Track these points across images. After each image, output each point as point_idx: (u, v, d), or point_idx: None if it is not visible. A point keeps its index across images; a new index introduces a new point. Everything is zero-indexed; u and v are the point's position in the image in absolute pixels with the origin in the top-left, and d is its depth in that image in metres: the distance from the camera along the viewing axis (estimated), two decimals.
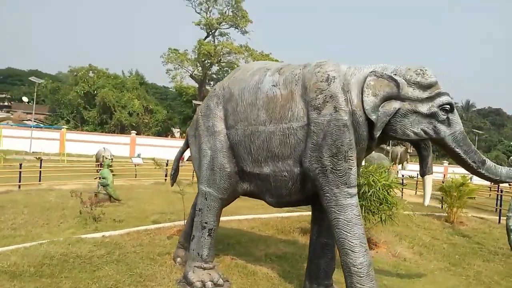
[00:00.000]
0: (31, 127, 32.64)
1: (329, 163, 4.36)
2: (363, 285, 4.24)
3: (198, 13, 38.73)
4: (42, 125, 39.11)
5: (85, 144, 31.75)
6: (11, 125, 37.06)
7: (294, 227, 8.83)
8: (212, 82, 41.01)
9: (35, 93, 32.13)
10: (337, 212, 4.38)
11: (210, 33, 39.23)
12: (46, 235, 7.36)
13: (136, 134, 34.33)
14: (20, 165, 13.24)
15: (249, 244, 7.33)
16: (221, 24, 39.07)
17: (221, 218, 8.92)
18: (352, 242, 4.30)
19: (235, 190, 5.29)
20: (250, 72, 5.24)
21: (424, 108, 4.34)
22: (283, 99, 4.70)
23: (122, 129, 37.22)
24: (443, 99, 4.35)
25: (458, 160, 4.59)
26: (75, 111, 38.61)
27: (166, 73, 38.92)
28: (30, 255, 5.61)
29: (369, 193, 7.29)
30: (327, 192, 4.43)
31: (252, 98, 4.93)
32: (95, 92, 37.19)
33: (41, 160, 16.17)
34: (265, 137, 4.78)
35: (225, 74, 41.02)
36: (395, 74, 4.40)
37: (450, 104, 4.38)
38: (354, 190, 4.43)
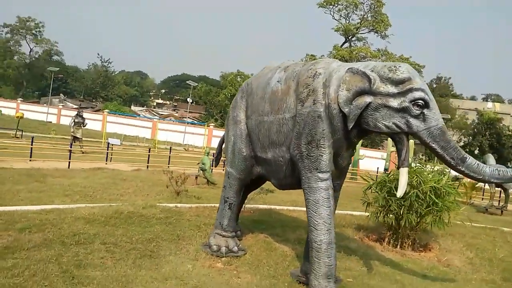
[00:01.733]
0: (186, 123, 38.03)
1: (305, 150, 4.93)
2: (319, 260, 4.72)
3: (336, 19, 39.22)
4: (195, 121, 44.87)
5: None
6: (173, 121, 43.58)
7: (351, 223, 9.09)
8: None
9: (190, 94, 37.31)
10: (308, 193, 4.93)
11: (348, 38, 39.31)
12: (139, 201, 9.25)
13: None
14: (149, 149, 16.10)
15: (290, 229, 7.98)
16: (359, 29, 38.80)
17: (289, 207, 9.99)
18: (316, 221, 4.81)
19: (250, 172, 6.15)
20: (268, 70, 6.04)
21: (395, 102, 4.53)
22: (282, 93, 5.40)
23: None
24: (416, 94, 4.47)
25: (437, 156, 4.63)
26: (223, 111, 43.20)
27: None
28: (108, 210, 7.40)
29: (409, 194, 7.23)
30: (303, 176, 5.00)
31: (262, 93, 5.75)
32: None
33: (170, 148, 19.24)
34: (267, 126, 5.55)
35: None
36: (372, 71, 4.69)
37: (423, 99, 4.48)
38: (325, 175, 4.89)
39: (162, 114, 53.55)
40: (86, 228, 6.37)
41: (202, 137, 35.29)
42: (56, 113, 41.10)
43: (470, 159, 4.54)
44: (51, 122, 38.78)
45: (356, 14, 38.69)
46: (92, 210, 7.26)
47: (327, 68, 5.10)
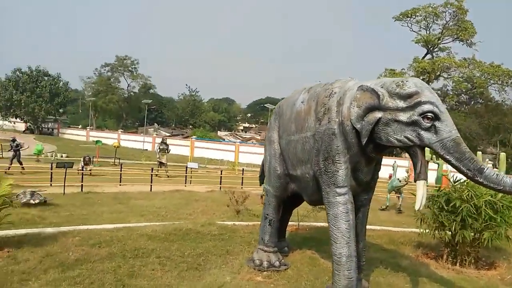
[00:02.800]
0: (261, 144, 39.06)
1: (322, 166, 5.17)
2: (339, 273, 4.88)
3: (415, 31, 37.73)
4: None
5: None
6: (254, 143, 45.06)
7: (411, 240, 8.84)
8: None
9: (269, 116, 38.36)
10: (328, 208, 5.14)
11: (430, 49, 37.50)
12: (202, 219, 10.01)
13: None
14: (221, 171, 17.06)
15: None
16: (442, 39, 36.85)
17: None
18: (335, 235, 4.98)
19: (286, 189, 6.48)
20: (296, 92, 6.39)
21: (404, 116, 4.59)
22: (304, 113, 5.72)
23: None
24: (425, 107, 4.50)
25: (453, 167, 4.55)
26: None
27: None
28: (169, 228, 8.21)
29: (460, 208, 6.93)
30: (323, 191, 5.23)
31: (290, 113, 6.12)
32: None
33: (243, 170, 20.06)
34: (294, 145, 5.90)
35: (450, 90, 38.20)
36: (382, 87, 4.83)
37: (432, 112, 4.48)
38: (343, 190, 5.06)
39: (244, 137, 55.55)
40: (147, 244, 7.19)
41: None
42: (151, 141, 45.05)
43: (488, 170, 4.40)
44: (146, 149, 42.55)
45: (437, 23, 36.90)
46: (155, 228, 8.13)
47: (342, 87, 5.33)
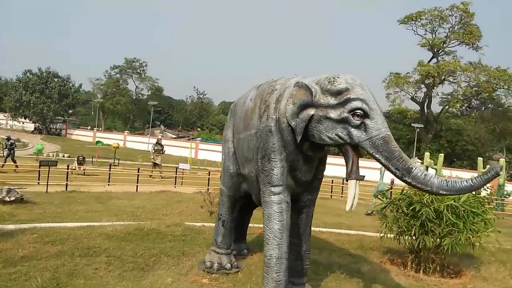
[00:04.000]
0: None
1: (260, 164, 5.04)
2: (267, 275, 4.75)
3: (421, 35, 37.30)
4: None
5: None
6: None
7: (376, 245, 8.63)
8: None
9: None
10: (263, 207, 5.03)
11: (436, 53, 37.00)
12: (175, 220, 9.91)
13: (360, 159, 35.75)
14: (209, 172, 17.04)
15: (316, 251, 7.84)
16: (448, 43, 36.34)
17: (321, 229, 9.83)
18: (267, 235, 4.86)
19: (238, 189, 6.35)
20: (249, 90, 6.27)
21: (335, 114, 4.44)
22: (251, 111, 5.59)
23: None
24: (353, 104, 4.34)
25: (383, 166, 4.38)
26: None
27: (386, 97, 38.91)
28: (131, 227, 8.14)
29: (420, 212, 6.73)
30: (260, 189, 5.09)
31: (241, 111, 6.00)
32: None
33: None
34: (241, 143, 5.78)
35: (453, 94, 37.57)
36: (317, 84, 4.68)
37: (361, 109, 4.32)
38: (277, 189, 4.92)
39: None
40: (102, 243, 7.13)
41: None
42: None
43: (416, 170, 4.22)
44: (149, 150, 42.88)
45: (443, 27, 36.43)
46: (117, 227, 8.07)
47: (284, 84, 5.19)
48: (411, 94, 38.80)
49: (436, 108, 40.58)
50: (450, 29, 35.80)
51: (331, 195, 18.91)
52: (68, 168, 15.05)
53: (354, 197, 4.57)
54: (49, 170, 13.56)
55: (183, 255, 7.02)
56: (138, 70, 58.99)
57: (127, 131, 49.91)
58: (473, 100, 49.56)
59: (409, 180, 4.25)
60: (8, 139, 19.35)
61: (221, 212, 6.64)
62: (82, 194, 13.25)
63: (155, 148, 21.20)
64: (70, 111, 56.46)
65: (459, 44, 36.21)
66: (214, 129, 60.45)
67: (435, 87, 37.03)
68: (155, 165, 20.93)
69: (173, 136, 51.77)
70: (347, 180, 4.65)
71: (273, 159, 4.93)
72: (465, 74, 34.97)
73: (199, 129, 62.05)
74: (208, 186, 16.37)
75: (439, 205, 6.78)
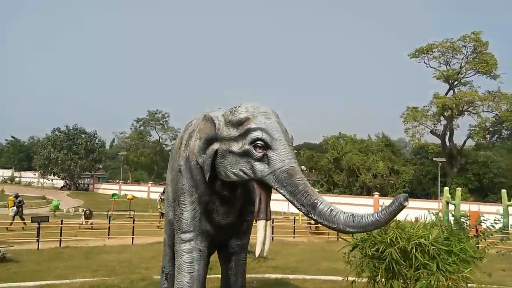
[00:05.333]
0: None
1: (173, 208, 4.67)
2: None
3: (433, 67, 36.67)
4: None
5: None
6: None
7: None
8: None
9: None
10: (175, 257, 4.55)
11: (452, 84, 36.09)
12: (147, 274, 9.44)
13: (381, 196, 34.49)
14: None
15: None
16: (465, 74, 35.48)
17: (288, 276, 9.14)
18: (175, 287, 4.36)
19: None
20: None
21: (237, 147, 4.02)
22: (175, 151, 5.24)
23: (368, 191, 37.96)
24: (253, 134, 3.90)
25: (289, 202, 3.88)
26: (327, 176, 42.35)
27: (405, 132, 37.87)
28: (88, 284, 7.79)
29: (384, 253, 6.01)
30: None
31: (175, 151, 5.60)
32: (343, 157, 39.99)
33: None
34: (169, 185, 5.38)
35: (473, 126, 36.10)
36: (223, 115, 4.32)
37: (261, 139, 3.89)
38: (187, 236, 4.49)
39: None
40: None
41: None
42: None
43: (322, 205, 3.68)
44: None
45: (456, 58, 35.72)
46: (73, 285, 7.72)
47: (200, 118, 4.85)
48: (430, 128, 37.67)
49: (459, 140, 39.11)
50: (464, 60, 35.05)
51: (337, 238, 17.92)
52: (62, 223, 14.95)
53: (265, 239, 4.06)
54: (39, 227, 13.56)
55: None
56: (161, 121, 60.63)
57: (151, 182, 50.44)
58: (503, 130, 47.55)
59: (315, 217, 3.73)
60: (16, 196, 19.72)
61: (164, 264, 6.16)
62: (72, 250, 13.10)
63: (162, 197, 21.04)
64: (100, 166, 58.08)
65: (475, 74, 35.27)
66: None
67: (454, 119, 35.77)
68: (162, 215, 20.69)
69: None
70: (256, 221, 4.16)
71: (182, 202, 4.54)
72: (484, 104, 33.71)
73: None
74: None
75: (406, 244, 6.06)
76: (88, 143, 52.35)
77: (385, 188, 37.82)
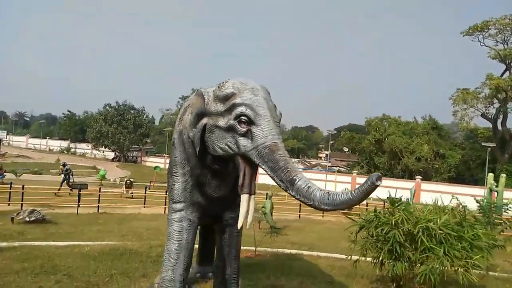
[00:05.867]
0: (329, 171, 38.06)
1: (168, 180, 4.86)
2: None
3: (489, 46, 34.19)
4: (343, 169, 44.13)
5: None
6: (320, 170, 43.97)
7: (367, 272, 7.75)
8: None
9: (329, 142, 37.35)
10: (167, 225, 4.76)
11: (509, 65, 33.59)
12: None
13: (424, 180, 33.42)
14: None
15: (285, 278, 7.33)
16: None
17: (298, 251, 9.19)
18: (164, 256, 4.60)
19: None
20: None
21: (223, 121, 4.10)
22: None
23: (411, 175, 36.80)
24: (238, 110, 3.97)
25: (272, 179, 3.91)
26: (368, 158, 41.47)
27: (453, 115, 35.98)
28: (108, 247, 8.32)
29: (388, 234, 5.93)
30: None
31: None
32: (386, 139, 38.89)
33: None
34: None
35: None
36: (214, 90, 4.40)
37: (244, 115, 3.94)
38: (178, 206, 4.68)
39: (310, 164, 54.43)
40: (70, 262, 7.28)
41: (348, 185, 34.53)
42: None
43: (301, 181, 3.69)
44: None
45: None
46: (94, 247, 8.22)
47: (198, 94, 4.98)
48: (481, 111, 35.45)
49: None
50: None
51: None
52: (100, 191, 15.81)
53: (248, 213, 4.15)
54: (79, 193, 14.46)
55: (143, 276, 6.88)
56: None
57: None
58: None
59: (292, 193, 3.77)
60: (64, 165, 21.02)
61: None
62: (108, 216, 13.88)
63: None
64: (148, 140, 60.23)
65: None
66: None
67: (509, 102, 33.41)
68: None
69: None
70: (239, 195, 4.24)
71: (174, 174, 4.73)
72: None
73: None
74: None
75: (412, 227, 5.94)
76: (137, 118, 54.42)
77: (429, 172, 36.52)
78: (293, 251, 9.45)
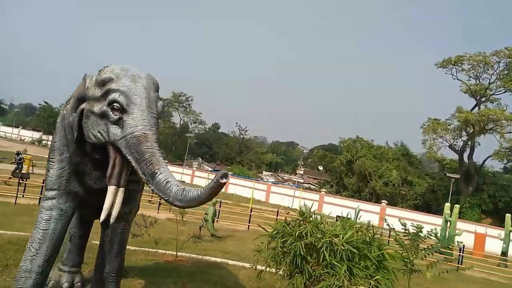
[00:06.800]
0: (295, 187, 38.09)
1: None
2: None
3: (461, 80, 35.04)
4: (312, 186, 44.16)
5: (340, 208, 31.71)
6: (289, 185, 43.89)
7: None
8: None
9: (301, 159, 37.41)
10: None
11: (479, 100, 34.41)
12: None
13: (390, 205, 33.63)
14: None
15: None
16: (494, 91, 33.73)
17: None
18: (27, 244, 4.34)
19: None
20: None
21: (97, 107, 3.92)
22: None
23: (377, 198, 37.01)
24: (111, 96, 3.81)
25: (135, 171, 3.72)
26: (338, 177, 41.61)
27: (422, 143, 36.50)
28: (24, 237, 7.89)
29: (291, 247, 5.77)
30: None
31: None
32: (357, 160, 39.12)
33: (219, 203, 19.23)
34: None
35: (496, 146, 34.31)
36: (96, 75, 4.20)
37: (117, 101, 3.77)
38: (50, 193, 4.45)
39: (282, 178, 54.44)
40: None
41: (314, 203, 34.45)
42: (190, 174, 46.19)
43: (161, 176, 3.52)
44: (184, 181, 43.58)
45: (487, 73, 33.95)
46: (4, 236, 7.85)
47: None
48: (449, 142, 36.04)
49: (479, 159, 37.23)
50: (495, 76, 33.31)
51: None
52: (43, 182, 15.31)
53: (113, 206, 3.93)
54: (18, 183, 13.99)
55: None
56: (184, 104, 61.25)
57: (165, 161, 50.91)
58: None
59: (152, 187, 3.60)
60: (18, 154, 20.42)
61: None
62: None
63: None
64: None
65: (505, 91, 33.36)
66: (252, 165, 60.25)
67: (476, 136, 34.02)
68: None
69: (210, 169, 52.24)
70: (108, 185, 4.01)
71: (51, 159, 4.50)
72: (510, 124, 31.86)
73: (237, 163, 62.15)
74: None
75: (316, 241, 5.78)
76: None
77: (395, 198, 36.77)
78: (219, 260, 9.20)
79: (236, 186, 39.59)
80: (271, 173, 63.20)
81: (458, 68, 34.78)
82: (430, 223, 24.83)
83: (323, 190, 37.96)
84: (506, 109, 33.12)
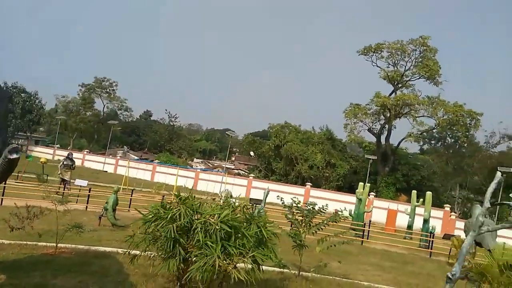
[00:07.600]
0: (223, 173, 37.86)
1: None
2: None
3: (380, 67, 36.76)
4: (242, 172, 44.18)
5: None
6: (218, 171, 43.55)
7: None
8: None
9: (228, 146, 37.18)
10: None
11: (396, 86, 36.33)
12: None
13: (314, 187, 34.50)
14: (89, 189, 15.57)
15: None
16: (410, 77, 35.79)
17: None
18: None
19: None
20: None
21: None
22: None
23: (303, 181, 37.90)
24: None
25: None
26: (266, 162, 42.04)
27: (344, 127, 37.92)
28: None
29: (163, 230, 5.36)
30: None
31: None
32: (284, 145, 39.70)
33: (132, 190, 18.41)
34: None
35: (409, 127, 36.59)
36: None
37: None
38: None
39: (212, 165, 54.10)
40: None
41: (242, 188, 34.70)
42: (114, 163, 43.97)
43: None
44: (106, 171, 41.43)
45: (404, 60, 35.88)
46: None
47: None
48: (368, 126, 37.84)
49: (396, 141, 39.65)
50: (410, 63, 35.36)
51: None
52: None
53: None
54: None
55: None
56: (108, 90, 58.11)
57: (86, 150, 48.30)
58: (448, 137, 48.72)
59: None
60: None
61: None
62: None
63: (65, 162, 19.61)
64: (42, 129, 55.14)
65: (419, 78, 35.55)
66: (183, 153, 59.11)
67: (392, 120, 35.98)
68: (63, 181, 19.33)
69: (136, 158, 50.27)
70: None
71: None
72: (422, 108, 34.13)
73: (167, 152, 60.65)
74: (87, 204, 14.81)
75: (188, 222, 5.40)
76: (27, 103, 49.51)
77: (320, 180, 37.87)
78: (108, 249, 8.54)
79: (165, 175, 38.55)
80: (201, 160, 62.42)
81: (378, 56, 36.38)
82: (351, 202, 26.09)
83: (252, 175, 38.06)
84: (420, 94, 35.38)
